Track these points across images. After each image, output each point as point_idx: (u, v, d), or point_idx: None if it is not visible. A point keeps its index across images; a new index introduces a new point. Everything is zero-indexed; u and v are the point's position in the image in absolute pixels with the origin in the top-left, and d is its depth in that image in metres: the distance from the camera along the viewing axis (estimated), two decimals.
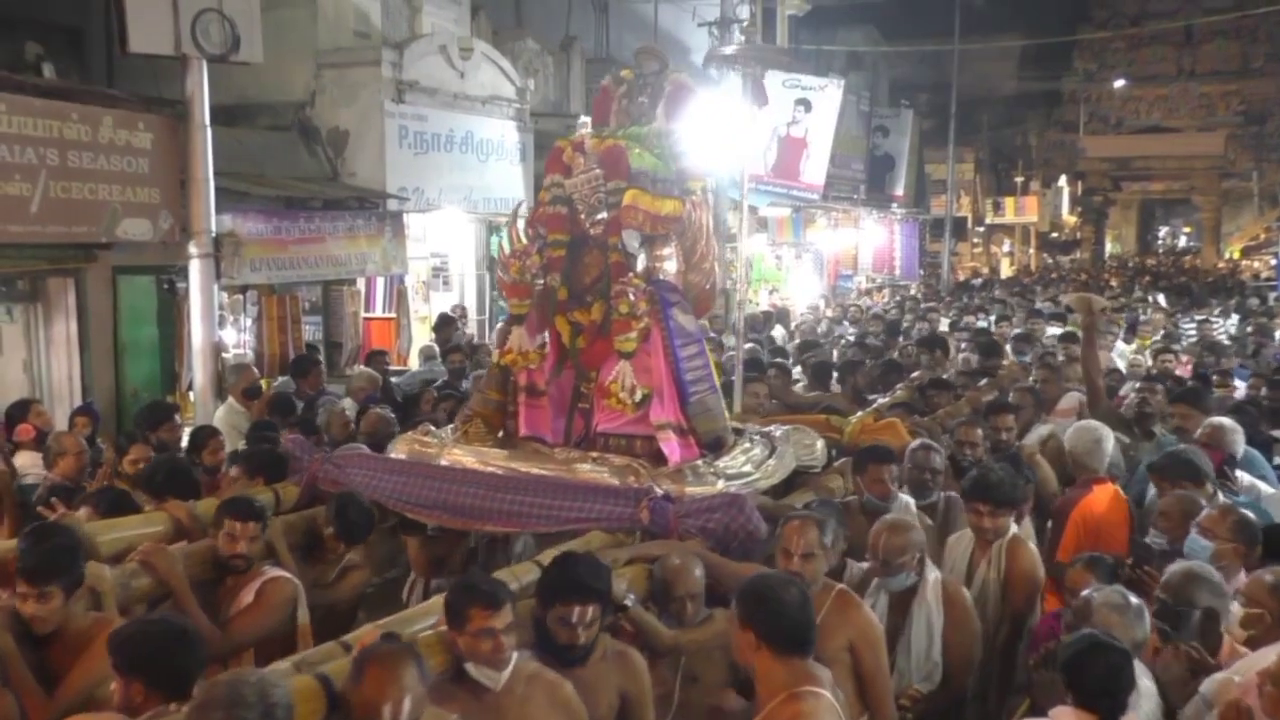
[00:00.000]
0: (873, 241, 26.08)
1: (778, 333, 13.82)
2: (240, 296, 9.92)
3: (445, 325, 11.13)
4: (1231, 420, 5.68)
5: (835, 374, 8.60)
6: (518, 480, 4.58)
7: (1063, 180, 48.70)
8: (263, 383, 8.48)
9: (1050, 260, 46.02)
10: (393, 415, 6.63)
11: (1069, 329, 11.55)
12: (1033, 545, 4.63)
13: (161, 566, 3.85)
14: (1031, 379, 7.88)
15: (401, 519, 4.70)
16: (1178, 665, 3.45)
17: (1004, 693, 4.43)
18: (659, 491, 4.35)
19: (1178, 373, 8.82)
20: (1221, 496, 4.71)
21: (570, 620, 3.29)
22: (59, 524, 3.99)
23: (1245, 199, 47.38)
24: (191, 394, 8.54)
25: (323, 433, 6.58)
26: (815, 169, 18.64)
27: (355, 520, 4.42)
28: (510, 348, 5.01)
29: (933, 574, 4.18)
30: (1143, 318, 13.70)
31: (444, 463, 4.85)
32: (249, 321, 10.06)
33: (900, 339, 11.70)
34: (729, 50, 7.73)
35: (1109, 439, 5.50)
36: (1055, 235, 49.41)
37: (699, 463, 4.67)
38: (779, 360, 9.12)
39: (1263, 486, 5.30)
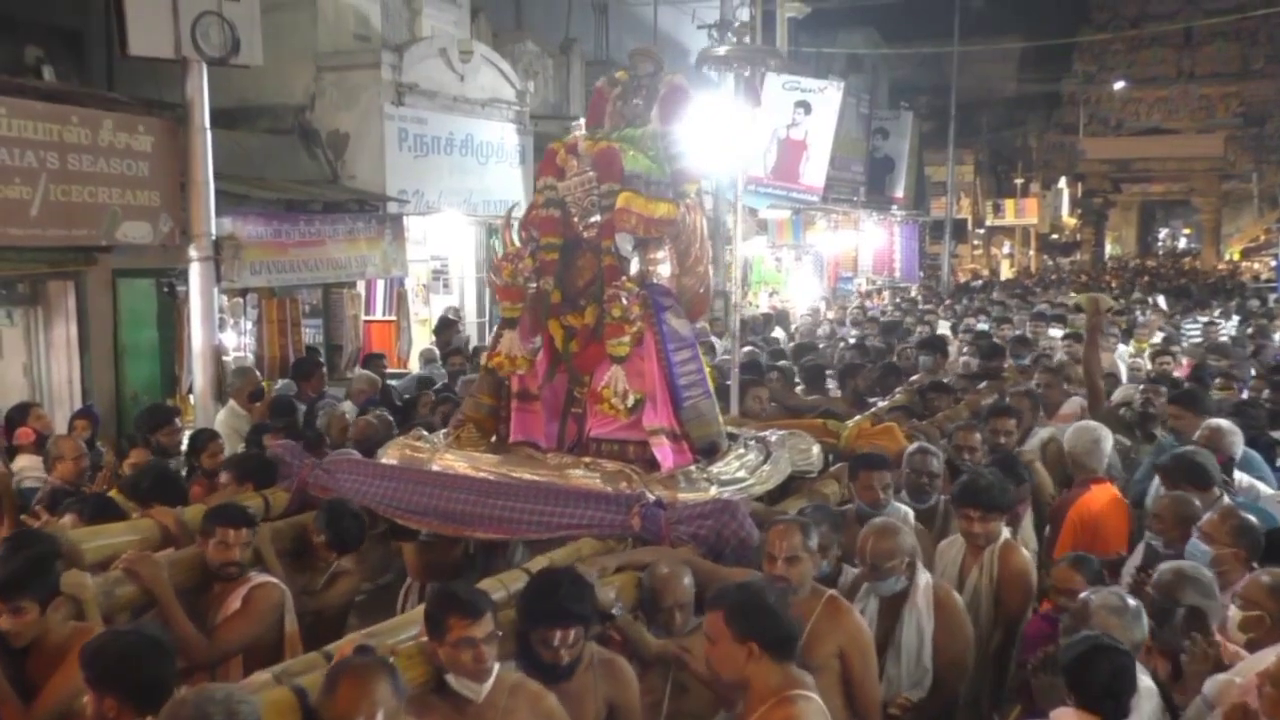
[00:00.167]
0: (873, 243, 26.08)
1: (778, 335, 13.82)
2: (240, 299, 9.93)
3: (446, 328, 11.14)
4: (1230, 422, 5.67)
5: (835, 378, 8.57)
6: (509, 486, 4.54)
7: (1063, 182, 48.72)
8: (264, 385, 8.48)
9: (1050, 262, 46.02)
10: (390, 419, 6.63)
11: (1071, 330, 11.54)
12: (1025, 551, 4.58)
13: (146, 574, 3.79)
14: (1034, 382, 7.85)
15: (392, 525, 4.66)
16: (1201, 662, 3.44)
17: (996, 699, 4.39)
18: (651, 498, 4.31)
19: (1176, 375, 8.81)
20: (1226, 499, 4.68)
21: (552, 643, 3.26)
22: (36, 533, 3.95)
23: (1245, 200, 47.40)
24: (191, 397, 8.53)
25: (324, 435, 6.57)
26: (815, 171, 18.62)
27: (347, 529, 4.37)
28: (499, 351, 4.95)
29: (924, 578, 4.13)
30: (1140, 320, 13.68)
31: (435, 468, 4.81)
32: (249, 324, 10.07)
33: (899, 342, 11.69)
34: (721, 51, 7.68)
35: (1108, 439, 5.49)
36: (1055, 237, 49.42)
37: (692, 468, 4.63)
38: (782, 363, 9.11)
39: (1261, 487, 5.28)
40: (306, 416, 7.41)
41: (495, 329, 5.30)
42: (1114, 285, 28.25)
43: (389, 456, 5.05)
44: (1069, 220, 50.44)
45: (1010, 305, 17.75)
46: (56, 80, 9.24)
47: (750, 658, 3.08)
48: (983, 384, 8.08)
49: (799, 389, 8.29)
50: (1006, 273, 41.39)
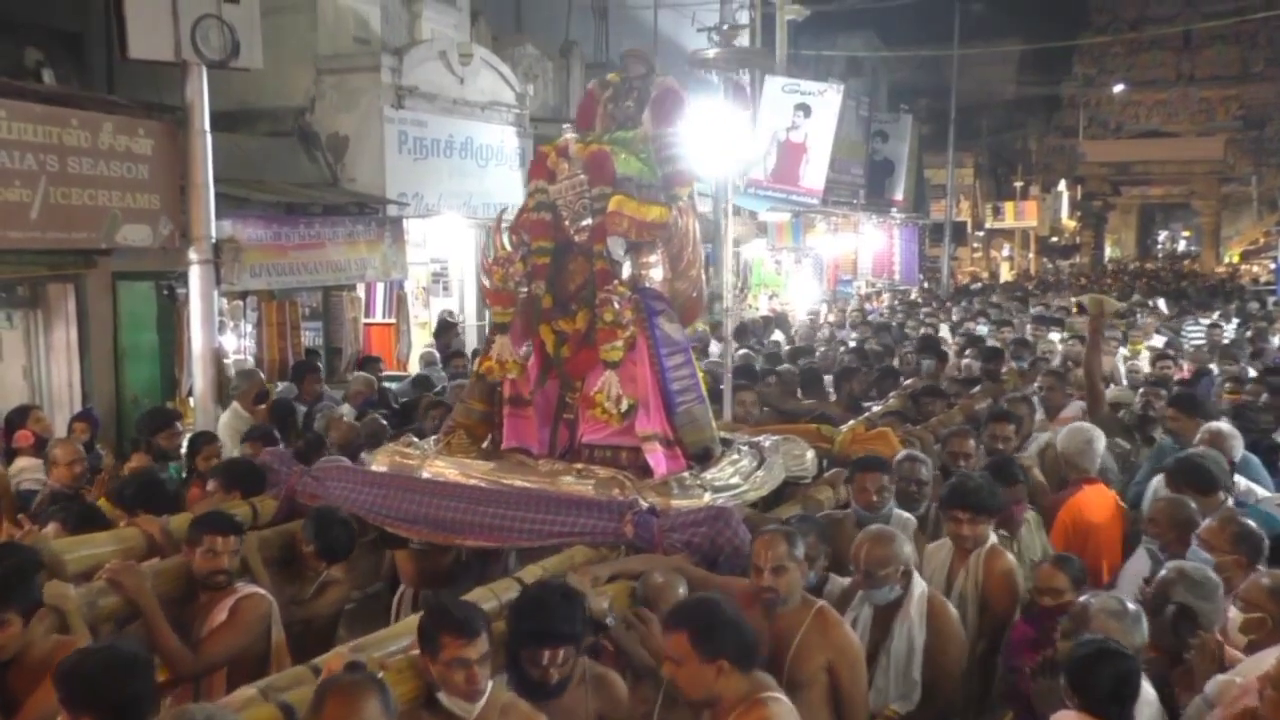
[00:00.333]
0: (872, 246, 26.10)
1: (778, 338, 13.82)
2: (240, 302, 9.94)
3: (445, 330, 11.15)
4: (1230, 426, 5.67)
5: (833, 382, 8.55)
6: (500, 493, 4.49)
7: (1062, 185, 48.75)
8: (268, 388, 8.49)
9: (1050, 265, 46.03)
10: (383, 422, 6.64)
11: (1072, 332, 11.54)
12: (1011, 556, 4.49)
13: (130, 585, 3.71)
14: (1035, 385, 7.85)
15: (382, 533, 4.59)
16: (1208, 661, 3.44)
17: (981, 705, 4.32)
18: (644, 505, 4.26)
19: (1177, 378, 8.80)
20: (1231, 503, 4.66)
21: (541, 662, 3.22)
22: (15, 544, 3.86)
23: (1244, 203, 47.48)
24: (191, 400, 8.53)
25: (324, 438, 6.56)
26: (815, 174, 18.63)
27: (336, 538, 4.30)
28: (490, 357, 4.89)
29: (918, 589, 4.05)
30: (1138, 322, 13.68)
31: (426, 475, 4.76)
32: (249, 327, 10.08)
33: (898, 345, 11.68)
34: (710, 54, 7.65)
35: (1100, 439, 5.45)
36: (1055, 240, 49.42)
37: (685, 475, 4.57)
38: (784, 367, 9.09)
39: (1258, 490, 5.26)
40: (305, 419, 7.42)
41: (486, 334, 5.25)
42: (1113, 287, 28.24)
43: (378, 463, 4.98)
44: (1068, 223, 50.47)
45: (1008, 309, 17.73)
46: (56, 83, 9.26)
47: (720, 674, 3.07)
48: (976, 388, 8.05)
49: (799, 393, 8.28)
50: (1006, 275, 41.39)
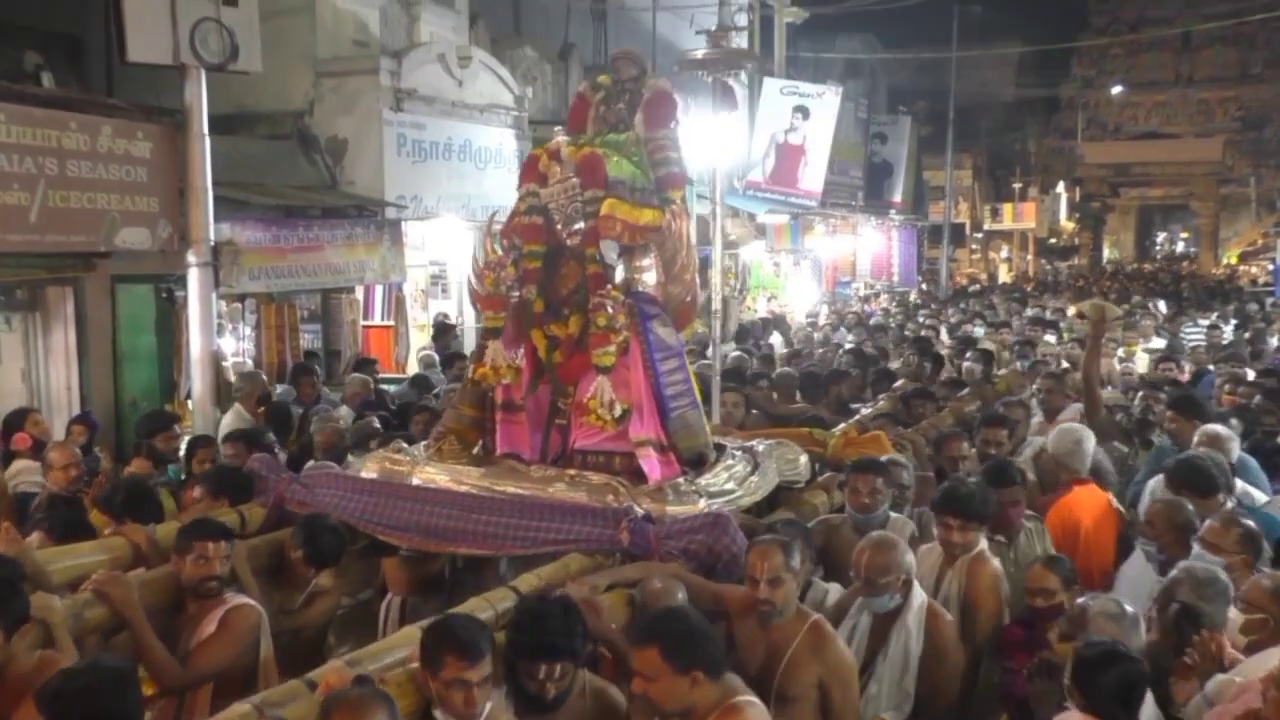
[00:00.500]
0: (871, 248, 26.12)
1: (776, 340, 13.83)
2: (239, 305, 9.94)
3: (444, 333, 11.15)
4: (1226, 428, 5.67)
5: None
6: (493, 501, 4.41)
7: (1061, 186, 48.79)
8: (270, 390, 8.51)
9: (1049, 266, 46.07)
10: (376, 425, 6.64)
11: (1072, 335, 11.55)
12: (996, 562, 4.42)
13: (116, 596, 3.60)
14: (1035, 388, 7.84)
15: (373, 540, 4.53)
16: (1208, 661, 3.44)
17: (966, 711, 4.24)
18: (639, 512, 4.20)
19: (1180, 380, 8.80)
20: (1230, 505, 4.65)
21: (537, 676, 3.16)
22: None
23: (1243, 204, 47.53)
24: (190, 403, 8.53)
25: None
26: (813, 176, 18.65)
27: (325, 544, 4.23)
28: (484, 363, 4.82)
29: (918, 599, 4.00)
30: (1138, 324, 13.68)
31: (416, 481, 4.68)
32: (248, 330, 10.09)
33: (896, 347, 11.69)
34: (698, 54, 7.62)
35: (1090, 440, 5.43)
36: (1053, 241, 49.45)
37: (680, 480, 4.51)
38: (781, 371, 9.09)
39: (1256, 494, 5.26)
40: (301, 422, 7.43)
41: (478, 339, 5.21)
42: (1111, 289, 28.26)
43: (368, 470, 4.89)
44: (1067, 224, 50.50)
45: (1002, 311, 17.73)
46: (55, 86, 9.24)
47: (694, 685, 3.04)
48: (964, 391, 8.05)
49: (797, 396, 8.29)
50: (1005, 277, 41.42)
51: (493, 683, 3.06)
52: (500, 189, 12.76)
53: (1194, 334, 13.49)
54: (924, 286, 28.51)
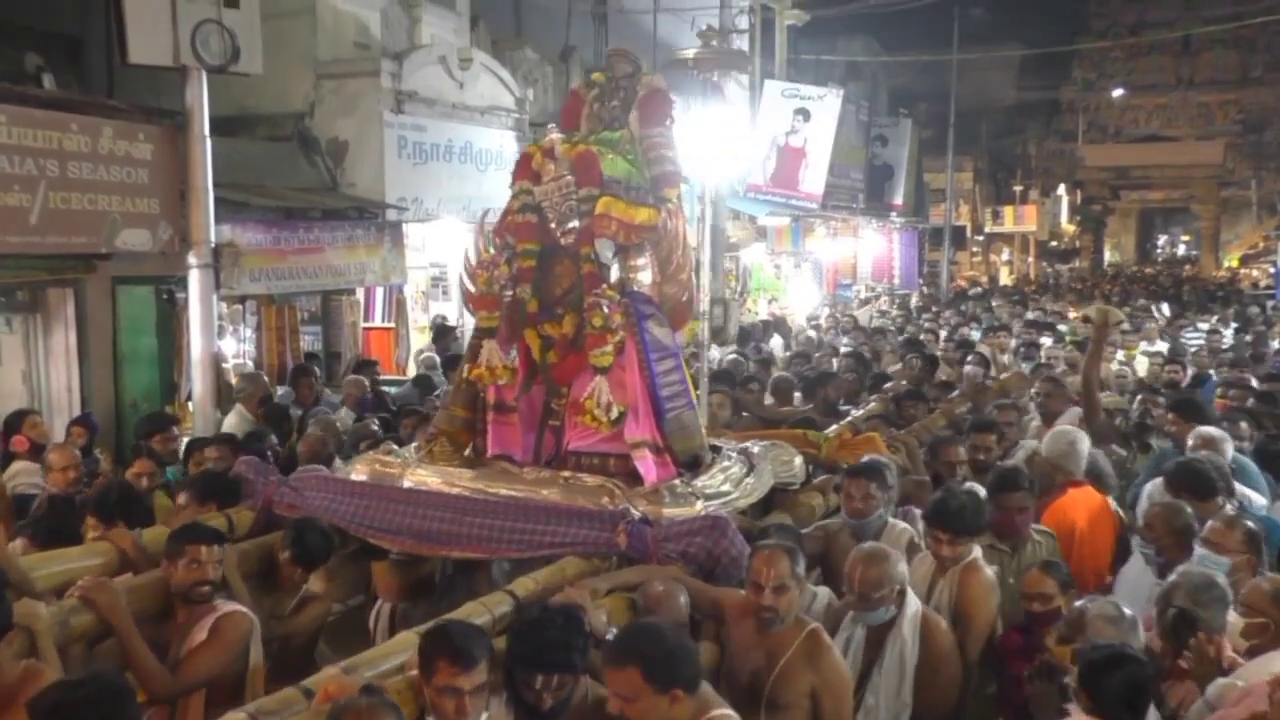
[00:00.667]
0: (872, 251, 26.13)
1: (776, 343, 13.82)
2: (239, 306, 9.95)
3: (443, 335, 11.15)
4: (1220, 430, 5.67)
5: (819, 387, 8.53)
6: (487, 503, 4.34)
7: (1062, 189, 48.81)
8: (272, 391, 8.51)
9: (1049, 269, 46.08)
10: (375, 429, 6.64)
11: (1073, 338, 11.54)
12: (989, 571, 4.34)
13: (103, 602, 3.52)
14: (1034, 391, 7.82)
15: (363, 544, 4.47)
16: (1205, 663, 3.44)
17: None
18: (636, 514, 4.14)
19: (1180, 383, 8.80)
20: (1229, 509, 4.64)
21: (535, 686, 3.09)
22: None
23: (1244, 207, 47.54)
24: (190, 404, 8.54)
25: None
26: (814, 178, 18.65)
27: (313, 543, 4.17)
28: (479, 363, 4.74)
29: (912, 607, 3.93)
30: (1142, 327, 13.67)
31: (407, 484, 4.61)
32: (248, 332, 10.09)
33: (891, 351, 11.68)
34: (689, 54, 7.58)
35: (1084, 442, 5.42)
36: (1054, 244, 49.46)
37: (676, 482, 4.45)
38: (780, 374, 9.09)
39: (1254, 496, 5.24)
40: (300, 424, 7.43)
41: (471, 339, 5.03)
42: (1112, 291, 28.27)
43: (358, 472, 4.81)
44: (1068, 227, 50.51)
45: (1005, 314, 17.70)
46: (56, 88, 9.25)
47: (674, 703, 2.98)
48: (954, 393, 8.03)
49: (796, 399, 8.29)
50: (1006, 280, 41.44)
51: (491, 690, 3.01)
52: (501, 191, 12.53)
53: (1193, 338, 13.47)
54: (925, 289, 28.50)
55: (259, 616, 3.88)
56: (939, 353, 11.16)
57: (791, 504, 5.05)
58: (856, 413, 7.11)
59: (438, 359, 10.18)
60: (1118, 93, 44.82)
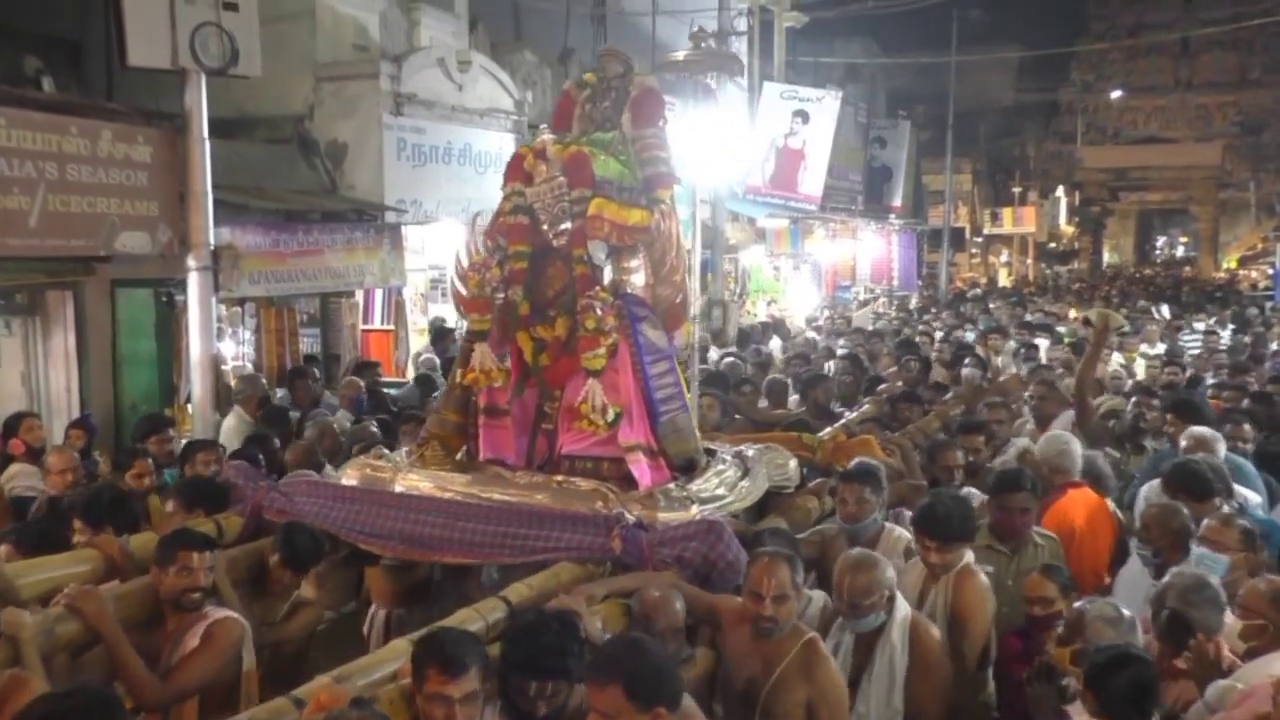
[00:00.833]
0: (870, 252, 26.15)
1: (775, 344, 13.82)
2: (239, 309, 9.95)
3: (442, 336, 11.15)
4: (1214, 430, 5.68)
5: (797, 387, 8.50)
6: (479, 508, 4.30)
7: (1060, 191, 48.86)
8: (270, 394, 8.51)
9: (1048, 270, 46.10)
10: (375, 431, 6.62)
11: (1073, 340, 11.53)
12: (984, 576, 4.28)
13: (90, 610, 3.46)
14: (1028, 394, 7.83)
15: (355, 549, 4.41)
16: (1204, 665, 3.45)
17: None
18: (631, 519, 4.09)
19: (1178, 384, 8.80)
20: (1226, 509, 4.65)
21: (528, 694, 3.05)
22: None
23: (1242, 209, 47.58)
24: (190, 406, 8.54)
25: (315, 446, 6.55)
26: (813, 180, 18.68)
27: (302, 546, 4.12)
28: (473, 366, 4.69)
29: (901, 612, 3.89)
30: (1144, 329, 13.67)
31: (399, 488, 4.57)
32: (247, 334, 10.09)
33: (887, 353, 11.68)
34: (680, 56, 7.59)
35: (1076, 443, 5.44)
36: (1053, 245, 49.49)
37: (671, 486, 4.42)
38: (774, 376, 9.09)
39: (1251, 497, 5.25)
40: (298, 426, 7.43)
41: (463, 342, 4.98)
42: (1111, 293, 28.28)
43: (348, 477, 4.78)
44: (1067, 229, 50.55)
45: (1004, 316, 17.69)
46: (55, 91, 9.25)
47: None
48: (948, 395, 8.02)
49: (794, 400, 8.29)
50: (1004, 281, 41.46)
51: (484, 698, 2.98)
52: (499, 193, 12.77)
53: (1191, 340, 13.44)
54: (924, 291, 28.52)
55: (250, 623, 3.84)
56: (933, 355, 11.15)
57: (787, 507, 5.03)
58: (850, 415, 7.09)
59: (437, 360, 10.19)
60: (1116, 94, 44.87)
